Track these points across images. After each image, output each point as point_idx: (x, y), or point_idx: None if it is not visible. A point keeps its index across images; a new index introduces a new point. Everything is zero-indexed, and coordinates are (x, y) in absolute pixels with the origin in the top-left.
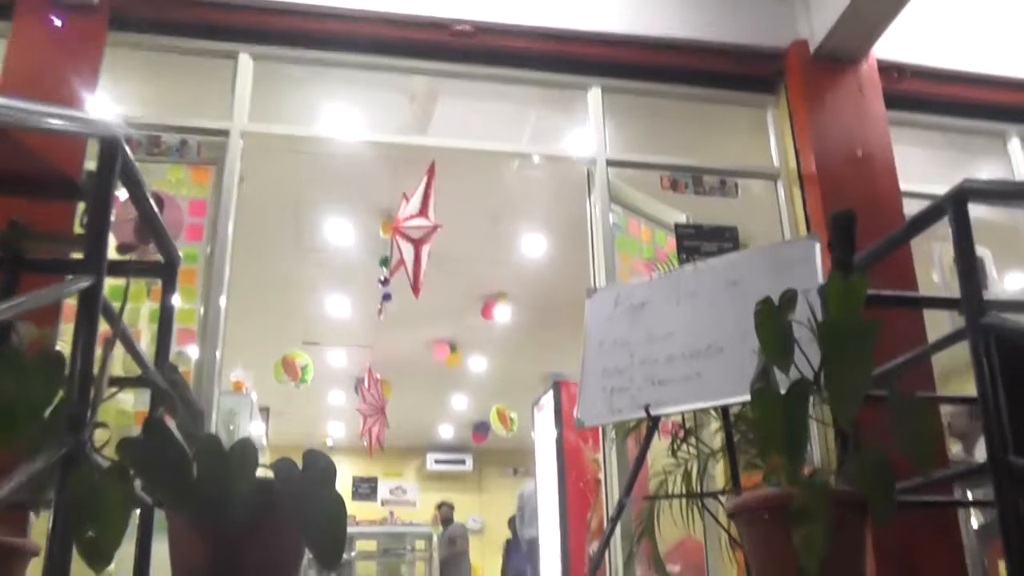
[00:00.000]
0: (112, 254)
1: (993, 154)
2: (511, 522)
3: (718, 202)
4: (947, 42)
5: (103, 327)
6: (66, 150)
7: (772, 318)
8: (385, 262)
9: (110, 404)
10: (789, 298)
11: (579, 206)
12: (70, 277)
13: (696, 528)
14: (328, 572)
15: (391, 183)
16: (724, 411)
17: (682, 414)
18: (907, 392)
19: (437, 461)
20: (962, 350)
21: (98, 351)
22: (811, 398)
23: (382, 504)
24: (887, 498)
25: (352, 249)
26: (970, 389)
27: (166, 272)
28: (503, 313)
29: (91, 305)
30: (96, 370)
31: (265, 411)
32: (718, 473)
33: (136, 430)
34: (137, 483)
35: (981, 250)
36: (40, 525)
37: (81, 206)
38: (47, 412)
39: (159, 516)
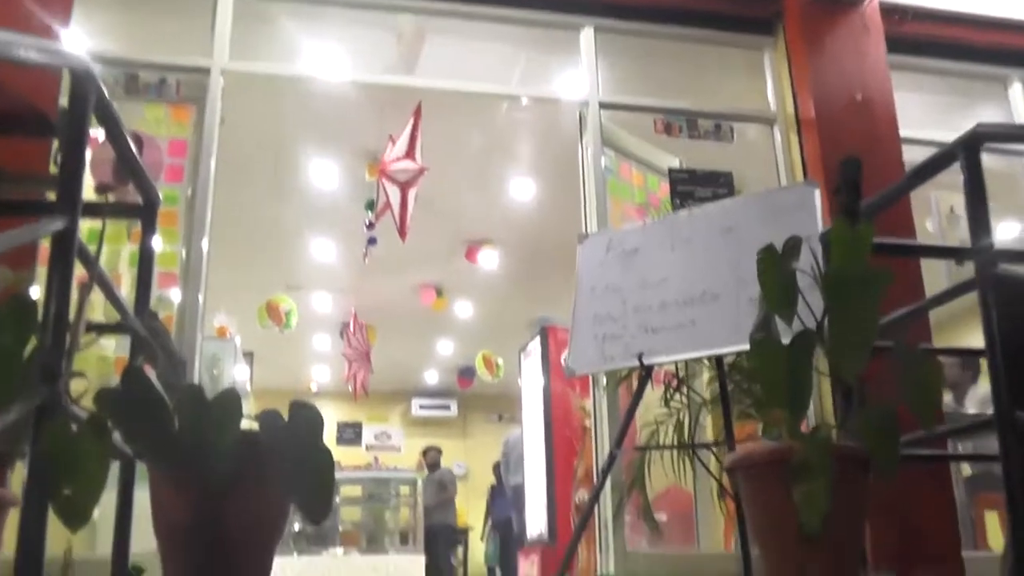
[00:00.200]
0: (90, 195)
1: (993, 99)
2: (496, 468)
3: (712, 147)
4: None
5: (80, 271)
6: (39, 86)
7: (775, 266)
8: (371, 206)
9: (90, 351)
10: (793, 245)
11: (570, 150)
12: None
13: (687, 478)
14: (315, 525)
15: (377, 125)
16: (718, 360)
17: (675, 363)
18: (911, 344)
19: (422, 406)
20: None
21: (75, 296)
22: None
23: (367, 449)
24: (892, 454)
25: (337, 192)
26: (960, 340)
27: (145, 213)
28: (490, 258)
29: (65, 248)
30: (72, 317)
31: (249, 356)
32: (707, 423)
33: (117, 378)
34: (117, 435)
35: None
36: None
37: (57, 145)
38: (20, 361)
39: (141, 465)
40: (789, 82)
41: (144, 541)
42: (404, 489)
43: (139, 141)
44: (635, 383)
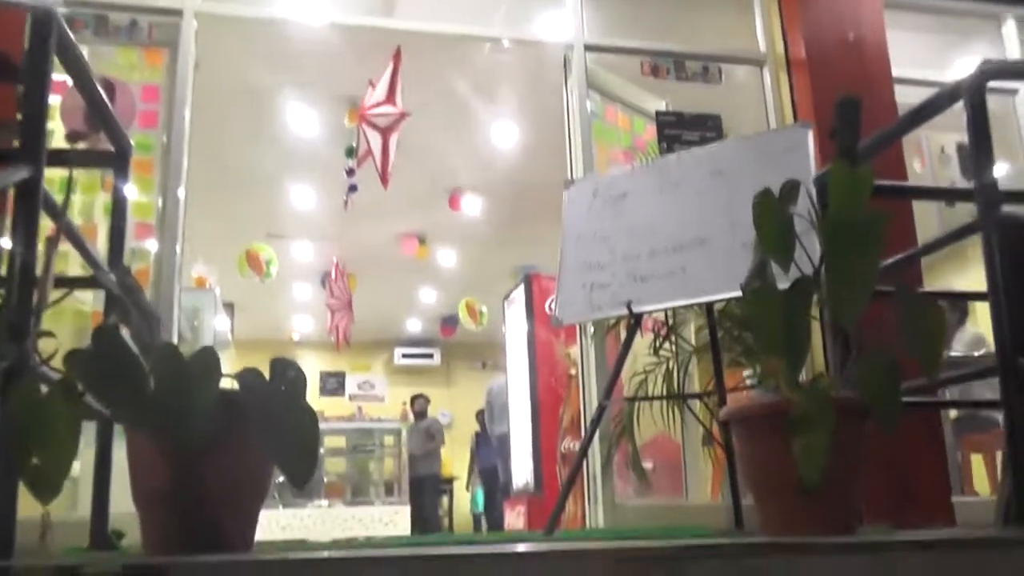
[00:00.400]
0: (61, 143)
1: (986, 37)
2: (479, 415)
3: (700, 89)
4: None
5: (50, 224)
6: (5, 28)
7: (772, 210)
8: (351, 152)
9: (66, 304)
10: (791, 188)
11: (554, 93)
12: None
13: (676, 428)
14: (298, 488)
15: (356, 69)
16: (708, 308)
17: (665, 311)
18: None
19: (405, 355)
20: None
21: (43, 250)
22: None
23: (350, 399)
24: (893, 404)
25: (316, 138)
26: (941, 283)
27: (117, 162)
28: (473, 205)
29: (30, 198)
30: (40, 271)
31: (230, 307)
32: (695, 370)
33: None
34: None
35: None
36: None
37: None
38: None
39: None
40: (779, 22)
41: (125, 502)
42: (388, 439)
43: (110, 87)
44: (623, 332)
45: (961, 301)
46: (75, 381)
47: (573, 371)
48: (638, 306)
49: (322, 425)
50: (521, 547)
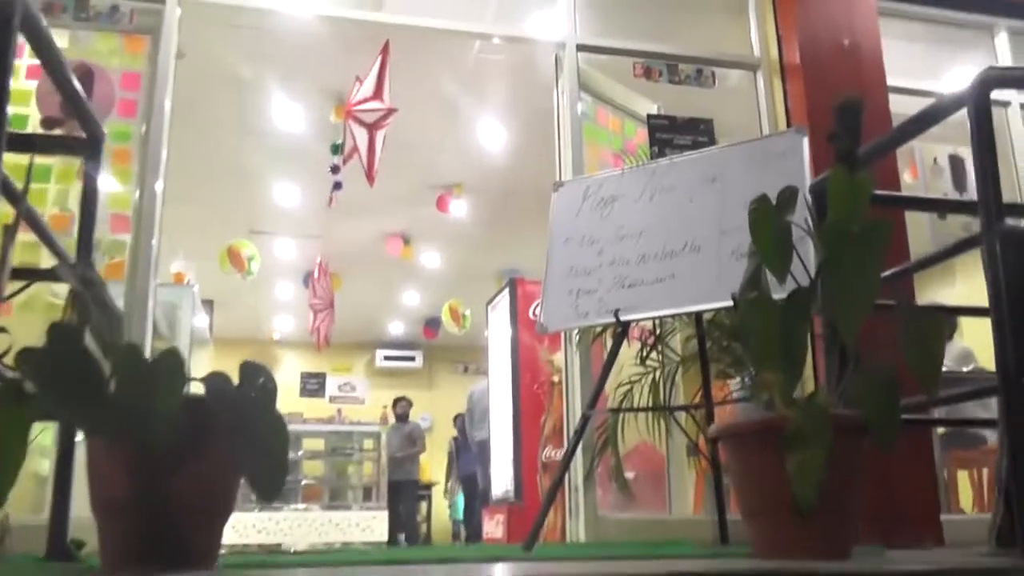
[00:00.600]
0: (36, 128)
1: (979, 49)
2: (457, 420)
3: (692, 92)
4: None
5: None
6: None
7: (769, 218)
8: (337, 149)
9: (37, 294)
10: (789, 196)
11: (544, 94)
12: None
13: (660, 435)
14: (266, 502)
15: (343, 63)
16: (697, 317)
17: (653, 320)
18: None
19: (387, 357)
20: None
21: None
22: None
23: (330, 400)
24: (892, 422)
25: (302, 134)
26: (933, 295)
27: (88, 150)
28: (459, 206)
29: None
30: None
31: (209, 304)
32: (681, 381)
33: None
34: None
35: (962, 150)
36: None
37: None
38: None
39: None
40: (774, 26)
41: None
42: (368, 443)
43: (89, 72)
44: (609, 340)
45: (951, 315)
46: (24, 383)
47: (556, 378)
48: (626, 314)
49: (301, 427)
50: (499, 571)
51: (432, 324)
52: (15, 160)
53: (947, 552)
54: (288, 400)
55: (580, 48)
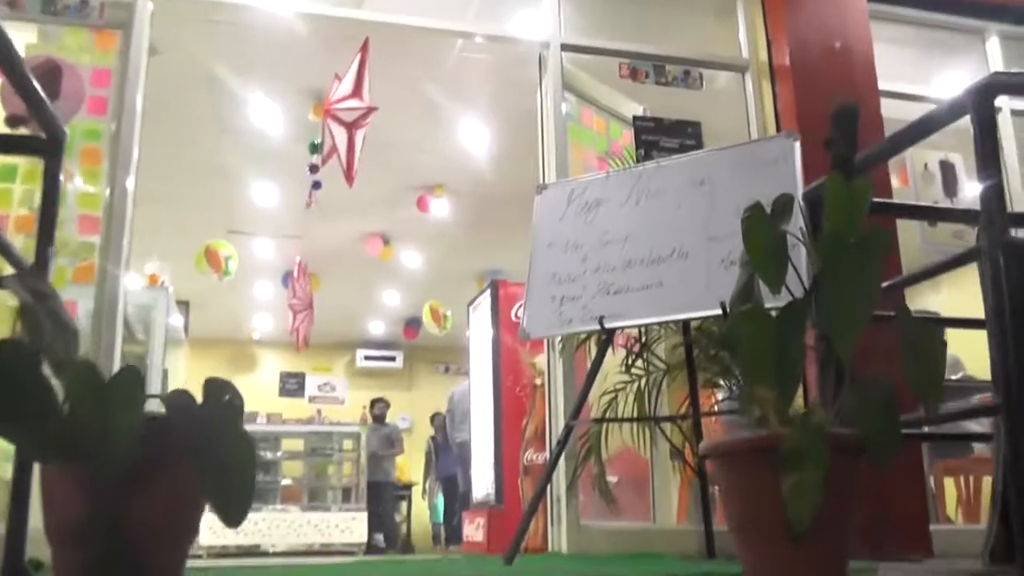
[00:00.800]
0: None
1: (970, 54)
2: (434, 420)
3: (679, 94)
4: None
5: None
6: None
7: (763, 227)
8: (315, 148)
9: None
10: (785, 203)
11: (528, 94)
12: None
13: (646, 449)
14: (231, 528)
15: (322, 61)
16: (685, 325)
17: (639, 327)
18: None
19: (367, 357)
20: None
21: None
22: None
23: (310, 400)
24: (891, 441)
25: (279, 132)
26: (922, 303)
27: (48, 149)
28: (440, 206)
29: None
30: None
31: (184, 304)
32: (666, 389)
33: None
34: None
35: (953, 156)
36: None
37: None
38: None
39: None
40: (763, 27)
41: None
42: (347, 443)
43: (56, 68)
44: (594, 347)
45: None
46: None
47: (538, 380)
48: (611, 321)
49: (280, 427)
50: None
51: (413, 324)
52: None
53: (938, 563)
54: (267, 400)
55: (565, 48)
